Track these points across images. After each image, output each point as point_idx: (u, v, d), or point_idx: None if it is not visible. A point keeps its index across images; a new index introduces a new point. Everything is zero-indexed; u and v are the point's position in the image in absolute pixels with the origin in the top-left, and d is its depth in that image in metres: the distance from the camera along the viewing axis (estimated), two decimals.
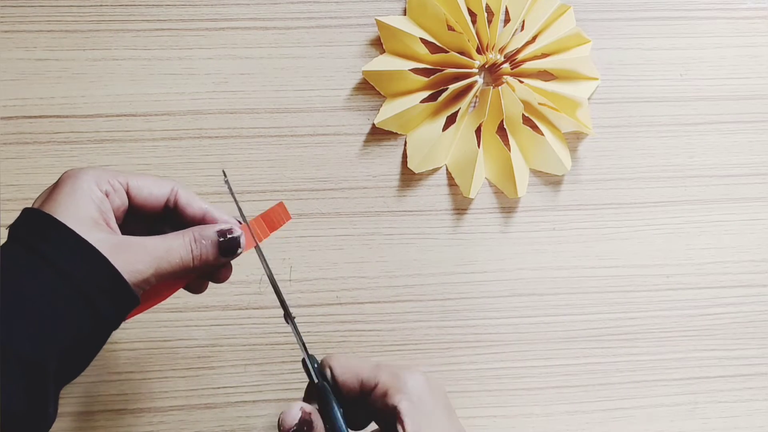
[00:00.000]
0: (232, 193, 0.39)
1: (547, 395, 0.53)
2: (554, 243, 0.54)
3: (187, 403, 0.50)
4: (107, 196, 0.35)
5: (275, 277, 0.39)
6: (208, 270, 0.38)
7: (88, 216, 0.33)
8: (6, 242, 0.33)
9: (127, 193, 0.36)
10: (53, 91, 0.51)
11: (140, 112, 0.51)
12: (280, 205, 0.39)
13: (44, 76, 0.51)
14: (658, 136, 0.55)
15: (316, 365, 0.38)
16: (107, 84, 0.51)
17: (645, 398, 0.54)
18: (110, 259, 0.33)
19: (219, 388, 0.51)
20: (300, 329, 0.38)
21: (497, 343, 0.53)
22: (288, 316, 0.39)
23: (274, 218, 0.39)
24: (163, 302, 0.39)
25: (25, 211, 0.34)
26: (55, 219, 0.33)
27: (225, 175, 0.39)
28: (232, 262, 0.39)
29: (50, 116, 0.51)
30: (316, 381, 0.37)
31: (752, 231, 0.56)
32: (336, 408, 0.36)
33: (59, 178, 0.35)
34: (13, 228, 0.33)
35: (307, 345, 0.38)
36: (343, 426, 0.35)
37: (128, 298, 0.34)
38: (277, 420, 0.39)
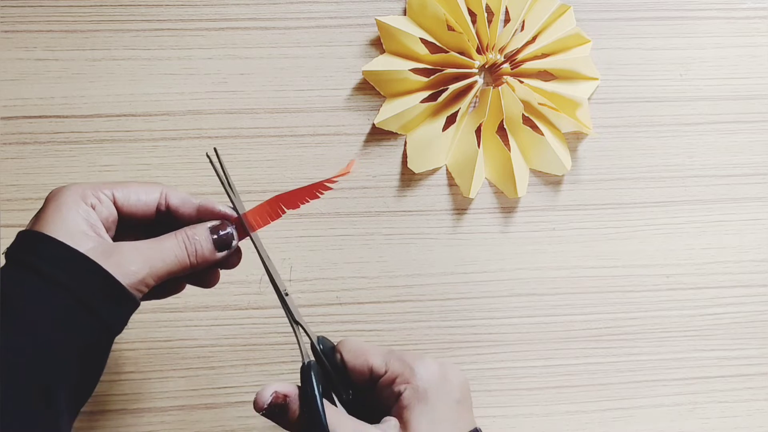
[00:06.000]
0: (225, 178, 0.38)
1: (547, 395, 0.53)
2: (554, 243, 0.54)
3: (188, 403, 0.50)
4: (93, 208, 0.35)
5: (272, 262, 0.38)
6: (209, 265, 0.38)
7: (76, 228, 0.33)
8: (3, 266, 0.33)
9: (115, 204, 0.36)
10: (53, 91, 0.51)
11: (140, 112, 0.51)
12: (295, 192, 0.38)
13: (44, 76, 0.51)
14: (658, 136, 0.55)
15: (319, 345, 0.37)
16: (107, 84, 0.51)
17: (645, 398, 0.54)
18: (102, 264, 0.33)
19: (219, 388, 0.51)
20: (300, 312, 0.38)
21: (497, 343, 0.53)
22: (279, 294, 0.38)
23: (280, 204, 0.38)
24: (163, 301, 0.39)
25: (18, 234, 0.34)
26: (45, 234, 0.33)
27: (213, 156, 0.38)
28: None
29: (50, 116, 0.51)
30: (304, 361, 0.36)
31: (752, 231, 0.56)
32: (316, 390, 0.34)
33: (45, 199, 0.35)
34: (7, 251, 0.34)
35: (306, 326, 0.38)
36: (321, 409, 0.34)
37: (126, 299, 0.34)
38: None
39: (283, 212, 0.38)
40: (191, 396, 0.50)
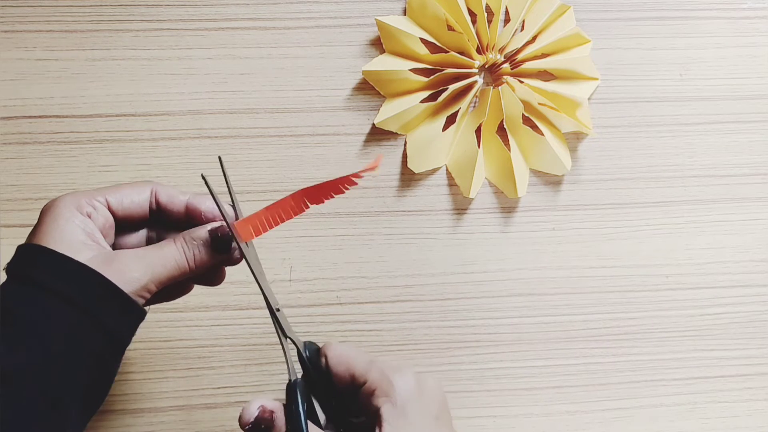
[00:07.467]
0: (228, 190, 0.37)
1: (547, 395, 0.53)
2: (554, 243, 0.54)
3: (188, 403, 0.50)
4: (89, 217, 0.35)
5: (266, 273, 0.38)
6: (209, 268, 0.37)
7: (75, 239, 0.33)
8: (5, 281, 0.33)
9: (110, 209, 0.36)
10: (53, 91, 0.51)
11: (140, 112, 0.51)
12: (299, 193, 0.36)
13: (44, 76, 0.51)
14: (658, 136, 0.55)
15: (305, 351, 0.37)
16: (107, 84, 0.51)
17: (645, 398, 0.54)
18: (103, 273, 0.33)
19: (219, 388, 0.51)
20: (296, 328, 0.38)
21: (497, 343, 0.53)
22: (271, 309, 0.37)
23: (305, 198, 0.36)
24: (163, 302, 0.39)
25: (18, 249, 0.34)
26: (44, 247, 0.33)
27: (218, 164, 0.37)
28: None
29: (50, 116, 0.51)
30: (290, 378, 0.36)
31: (752, 231, 0.56)
32: (301, 408, 0.35)
33: (40, 212, 0.35)
34: (8, 266, 0.34)
35: (296, 339, 0.37)
36: (304, 428, 0.34)
37: (129, 306, 0.34)
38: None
39: (307, 207, 0.36)
40: (191, 396, 0.50)
